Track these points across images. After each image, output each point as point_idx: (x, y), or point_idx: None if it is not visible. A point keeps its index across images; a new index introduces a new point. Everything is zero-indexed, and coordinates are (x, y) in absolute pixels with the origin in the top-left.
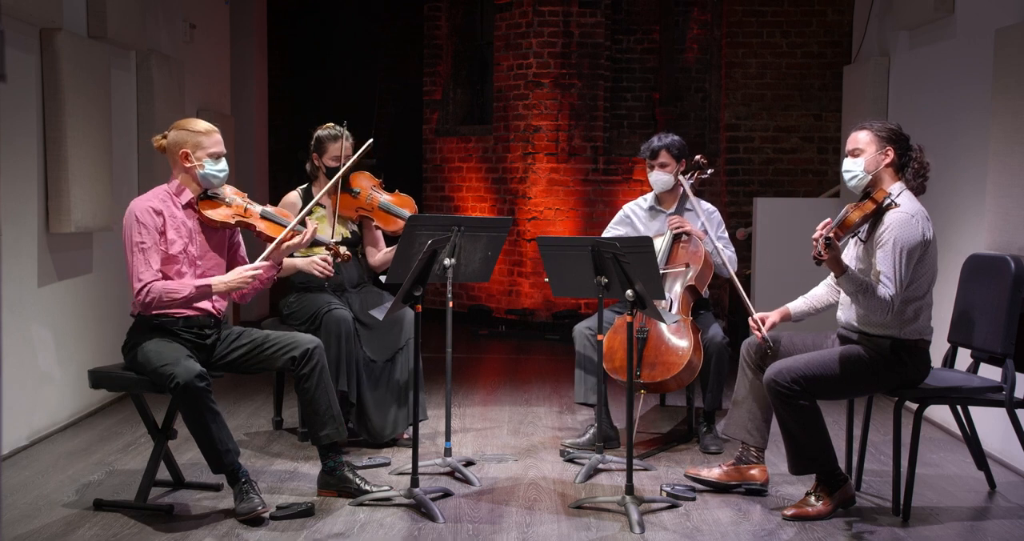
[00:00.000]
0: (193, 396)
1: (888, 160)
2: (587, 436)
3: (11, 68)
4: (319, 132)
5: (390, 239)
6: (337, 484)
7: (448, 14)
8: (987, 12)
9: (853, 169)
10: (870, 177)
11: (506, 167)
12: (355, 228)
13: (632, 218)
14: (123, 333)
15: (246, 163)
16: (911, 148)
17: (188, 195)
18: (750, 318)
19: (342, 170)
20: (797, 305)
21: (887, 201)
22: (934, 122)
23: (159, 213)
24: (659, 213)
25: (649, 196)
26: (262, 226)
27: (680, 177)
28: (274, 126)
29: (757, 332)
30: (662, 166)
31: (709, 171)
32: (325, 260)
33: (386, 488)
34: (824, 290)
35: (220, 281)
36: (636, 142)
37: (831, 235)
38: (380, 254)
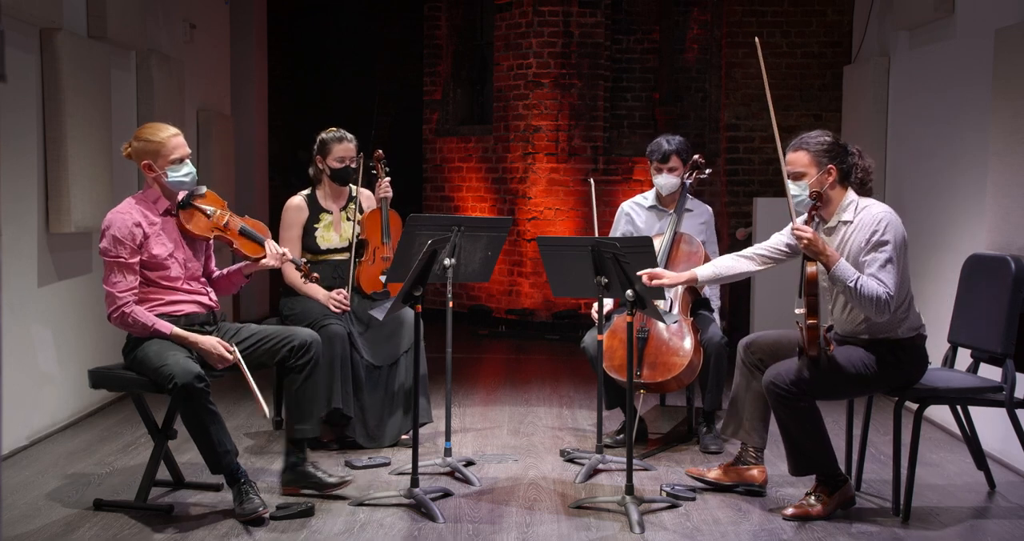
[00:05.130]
0: (191, 397)
1: (832, 178)
2: (621, 437)
3: (11, 68)
4: (322, 135)
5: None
6: (301, 480)
7: (448, 14)
8: (987, 12)
9: (799, 195)
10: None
11: (506, 167)
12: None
13: (632, 216)
14: (123, 333)
15: (246, 163)
16: (850, 154)
17: (164, 203)
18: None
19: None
20: (703, 270)
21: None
22: (934, 122)
23: (138, 225)
24: (661, 212)
25: (649, 194)
26: (239, 243)
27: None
28: (274, 126)
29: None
30: (671, 170)
31: (707, 171)
32: (341, 295)
33: (349, 477)
34: (731, 261)
35: (184, 333)
36: (636, 142)
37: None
38: None
